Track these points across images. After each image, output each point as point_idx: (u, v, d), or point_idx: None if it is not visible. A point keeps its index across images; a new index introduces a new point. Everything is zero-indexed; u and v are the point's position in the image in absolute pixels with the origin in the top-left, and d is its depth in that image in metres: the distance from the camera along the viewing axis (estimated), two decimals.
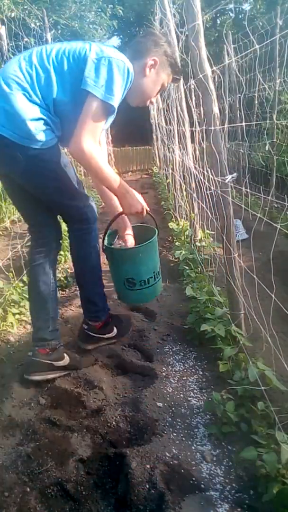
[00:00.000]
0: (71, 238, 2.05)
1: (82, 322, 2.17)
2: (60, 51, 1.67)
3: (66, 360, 1.94)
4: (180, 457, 1.47)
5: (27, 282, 2.22)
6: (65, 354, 1.95)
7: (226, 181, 1.89)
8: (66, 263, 3.81)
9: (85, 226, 1.97)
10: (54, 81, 1.64)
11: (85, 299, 2.12)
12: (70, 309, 2.78)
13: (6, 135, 1.61)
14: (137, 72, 1.73)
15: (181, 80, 2.90)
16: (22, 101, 1.61)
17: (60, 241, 2.07)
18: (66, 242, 3.93)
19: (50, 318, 1.92)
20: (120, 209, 1.86)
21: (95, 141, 1.62)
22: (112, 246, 2.01)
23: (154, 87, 1.83)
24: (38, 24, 6.55)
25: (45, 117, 1.66)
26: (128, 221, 2.04)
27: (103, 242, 1.98)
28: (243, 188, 2.17)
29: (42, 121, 1.65)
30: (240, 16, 15.41)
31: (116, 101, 1.63)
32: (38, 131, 1.64)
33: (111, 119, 1.77)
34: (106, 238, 2.00)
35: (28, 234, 2.16)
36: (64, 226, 2.11)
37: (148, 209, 1.83)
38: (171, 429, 1.63)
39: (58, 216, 2.06)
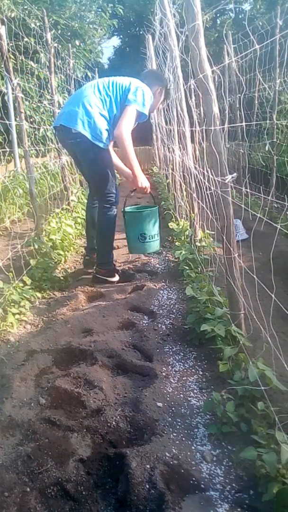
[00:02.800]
0: (98, 210, 3.10)
1: (88, 264, 3.36)
2: (114, 84, 2.90)
3: (117, 277, 3.13)
4: (180, 457, 1.47)
5: (86, 214, 3.51)
6: (117, 275, 3.15)
7: (226, 181, 1.89)
8: (66, 263, 3.81)
9: (106, 206, 3.01)
10: (113, 104, 2.87)
11: (96, 251, 3.21)
12: (70, 309, 2.78)
13: (87, 136, 2.80)
14: (149, 94, 2.92)
15: (181, 80, 3.39)
16: (98, 117, 2.82)
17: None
18: (65, 242, 3.94)
19: (98, 251, 3.16)
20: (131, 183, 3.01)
21: (127, 129, 2.78)
22: (132, 211, 3.07)
23: (158, 103, 3.20)
24: (38, 24, 6.56)
25: (108, 127, 2.87)
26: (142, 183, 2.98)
27: (124, 208, 3.00)
28: (243, 188, 2.17)
29: (107, 131, 2.86)
30: (240, 16, 15.40)
31: (146, 111, 2.89)
32: (105, 136, 2.85)
33: (137, 121, 2.94)
34: (124, 208, 3.01)
35: (28, 235, 3.25)
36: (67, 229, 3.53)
37: (149, 190, 2.96)
38: (171, 429, 1.63)
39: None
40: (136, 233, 2.96)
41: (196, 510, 1.28)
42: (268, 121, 5.21)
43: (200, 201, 2.93)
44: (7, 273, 2.89)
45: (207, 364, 2.10)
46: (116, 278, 3.15)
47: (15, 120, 5.23)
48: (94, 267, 3.17)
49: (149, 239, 2.94)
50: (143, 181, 2.91)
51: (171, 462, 1.44)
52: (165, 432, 1.61)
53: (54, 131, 3.39)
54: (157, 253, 3.94)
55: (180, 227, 4.06)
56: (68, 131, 2.86)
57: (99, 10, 11.04)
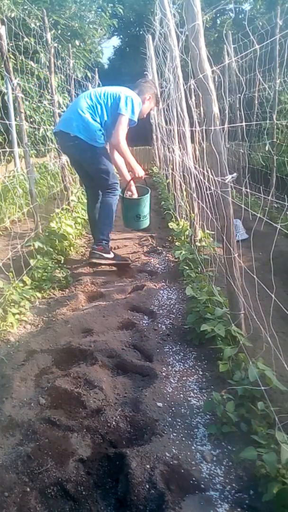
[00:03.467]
0: (102, 197, 3.57)
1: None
2: (106, 93, 3.30)
3: (112, 255, 3.50)
4: (180, 457, 1.47)
5: (88, 213, 3.93)
6: (111, 253, 3.52)
7: (226, 181, 1.89)
8: (66, 263, 3.81)
9: (109, 194, 3.47)
10: (104, 111, 3.28)
11: (96, 229, 3.61)
12: (70, 309, 2.78)
13: (83, 138, 3.22)
14: (141, 101, 3.42)
15: (181, 80, 3.45)
16: (91, 121, 3.24)
17: (99, 196, 3.61)
18: (65, 243, 3.94)
19: (98, 229, 3.57)
20: (128, 178, 3.56)
21: (123, 136, 3.28)
22: (128, 197, 3.62)
23: (147, 109, 3.63)
24: (38, 24, 6.56)
25: (102, 130, 3.29)
26: (133, 185, 3.62)
27: (122, 195, 3.56)
28: (243, 188, 2.17)
29: (101, 132, 3.28)
30: (240, 16, 15.40)
31: (136, 117, 3.34)
32: (99, 137, 3.27)
33: (128, 126, 3.39)
34: (123, 194, 3.57)
35: (28, 235, 3.34)
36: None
37: (144, 177, 3.59)
38: (171, 429, 1.63)
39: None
40: (133, 214, 3.62)
41: (196, 510, 1.28)
42: (268, 121, 5.21)
43: (200, 201, 2.93)
44: (7, 273, 2.89)
45: (207, 364, 2.10)
46: (111, 255, 3.52)
47: (15, 120, 5.24)
48: (92, 246, 3.54)
49: (142, 218, 3.64)
50: (139, 171, 3.50)
51: (171, 462, 1.44)
52: (165, 432, 1.61)
53: (55, 136, 3.90)
54: (157, 254, 3.96)
55: (180, 227, 4.06)
56: (67, 136, 3.28)
57: (99, 10, 11.05)
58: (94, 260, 3.43)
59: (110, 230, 3.57)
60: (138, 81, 3.61)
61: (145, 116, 3.63)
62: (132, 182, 3.59)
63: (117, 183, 3.48)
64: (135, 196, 3.65)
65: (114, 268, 3.52)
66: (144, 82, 3.60)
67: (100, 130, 3.27)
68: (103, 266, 3.53)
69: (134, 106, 3.28)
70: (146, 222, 3.71)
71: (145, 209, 3.60)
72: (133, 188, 3.62)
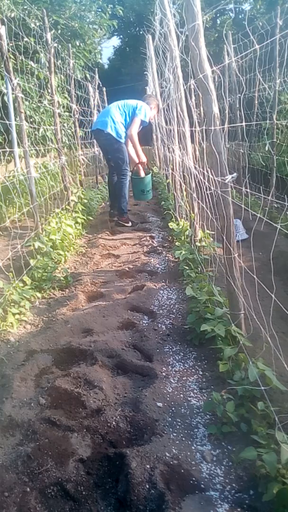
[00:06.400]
0: (117, 180, 5.07)
1: (112, 216, 5.32)
2: (128, 105, 4.92)
3: (130, 223, 5.16)
4: (180, 457, 1.47)
5: (108, 187, 5.55)
6: (130, 222, 5.20)
7: (226, 181, 1.89)
8: (66, 263, 3.81)
9: (123, 176, 5.01)
10: (127, 117, 4.91)
11: (116, 205, 5.18)
12: (70, 309, 2.78)
13: (116, 136, 4.83)
14: (148, 109, 5.01)
15: (181, 80, 3.45)
16: (119, 124, 4.85)
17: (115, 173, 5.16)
18: (65, 242, 3.93)
19: (118, 205, 5.14)
20: (136, 161, 5.07)
21: (135, 131, 4.85)
22: (136, 177, 5.08)
23: (154, 114, 5.31)
24: (38, 24, 6.55)
25: (125, 130, 4.91)
26: (141, 166, 5.10)
27: (131, 175, 5.11)
28: (243, 188, 2.17)
29: (124, 132, 4.91)
30: (240, 16, 15.41)
31: (147, 120, 4.99)
32: (123, 135, 4.90)
33: (141, 126, 5.01)
34: (132, 174, 5.11)
35: (28, 234, 3.41)
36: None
37: (146, 162, 5.16)
38: (171, 429, 1.63)
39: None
40: (139, 189, 5.13)
41: (196, 510, 1.28)
42: (268, 121, 5.20)
43: (200, 201, 2.93)
44: (7, 273, 2.89)
45: (207, 364, 2.09)
46: (130, 224, 5.17)
47: (15, 120, 5.23)
48: (115, 218, 5.22)
49: (146, 192, 5.12)
50: (143, 158, 5.04)
51: (171, 462, 1.44)
52: (165, 432, 1.61)
53: (91, 133, 5.67)
54: (157, 254, 3.96)
55: (180, 227, 4.06)
56: (101, 132, 4.87)
57: (99, 10, 11.05)
58: (119, 228, 5.11)
59: (126, 203, 5.21)
60: (145, 96, 5.47)
61: (152, 120, 5.40)
62: (139, 165, 5.09)
63: (127, 169, 5.03)
64: (142, 175, 5.13)
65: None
66: (149, 96, 5.44)
67: (124, 131, 4.90)
68: (103, 266, 3.51)
69: (146, 112, 4.93)
70: (149, 195, 5.24)
71: (148, 185, 5.07)
72: (141, 171, 5.12)
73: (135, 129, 4.83)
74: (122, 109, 4.91)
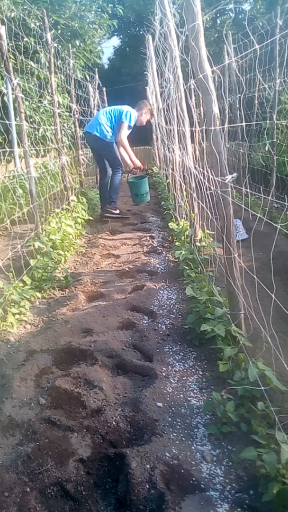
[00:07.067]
0: (112, 174, 5.48)
1: (104, 206, 5.63)
2: (115, 110, 5.34)
3: (118, 211, 5.61)
4: (180, 457, 1.47)
5: (99, 187, 5.93)
6: (118, 210, 5.64)
7: (226, 181, 1.89)
8: (66, 263, 3.81)
9: (116, 171, 5.46)
10: (113, 120, 5.30)
11: (107, 196, 5.55)
12: (70, 309, 2.78)
13: (100, 136, 5.26)
14: (139, 114, 5.44)
15: (181, 80, 3.45)
16: (106, 126, 5.26)
17: (108, 174, 5.54)
18: (65, 242, 3.93)
19: (107, 197, 5.58)
20: (130, 164, 5.46)
21: (124, 136, 5.26)
22: (132, 180, 5.28)
23: (145, 119, 5.59)
24: (38, 24, 6.55)
25: (112, 132, 5.29)
26: (136, 171, 5.55)
27: (127, 179, 5.29)
28: (243, 188, 2.17)
29: (112, 132, 5.29)
30: (240, 16, 15.40)
31: (132, 124, 5.33)
32: (110, 136, 5.29)
33: (129, 130, 5.38)
34: (129, 178, 5.34)
35: (28, 234, 3.42)
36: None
37: (141, 167, 5.69)
38: (171, 429, 1.63)
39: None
40: (133, 192, 5.30)
41: (196, 510, 1.28)
42: (268, 121, 5.20)
43: (200, 201, 2.93)
44: (7, 273, 2.89)
45: (207, 364, 2.09)
46: (117, 211, 5.58)
47: (15, 120, 5.23)
48: (105, 206, 5.58)
49: (141, 196, 5.28)
50: (137, 164, 5.43)
51: (171, 462, 1.44)
52: (165, 432, 1.61)
53: (84, 135, 5.86)
54: (157, 254, 3.97)
55: (180, 227, 4.06)
56: (89, 134, 5.36)
57: (99, 10, 11.04)
58: (107, 214, 5.49)
59: (117, 196, 5.63)
60: (139, 102, 5.70)
61: (144, 124, 5.63)
62: (134, 170, 5.49)
63: (121, 165, 5.45)
64: (140, 167, 5.62)
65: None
66: (142, 102, 5.73)
67: (110, 131, 5.26)
68: (103, 266, 3.51)
69: (131, 118, 5.27)
70: (145, 199, 5.37)
71: (142, 189, 5.23)
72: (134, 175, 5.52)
73: (124, 134, 5.20)
74: (109, 113, 5.34)
